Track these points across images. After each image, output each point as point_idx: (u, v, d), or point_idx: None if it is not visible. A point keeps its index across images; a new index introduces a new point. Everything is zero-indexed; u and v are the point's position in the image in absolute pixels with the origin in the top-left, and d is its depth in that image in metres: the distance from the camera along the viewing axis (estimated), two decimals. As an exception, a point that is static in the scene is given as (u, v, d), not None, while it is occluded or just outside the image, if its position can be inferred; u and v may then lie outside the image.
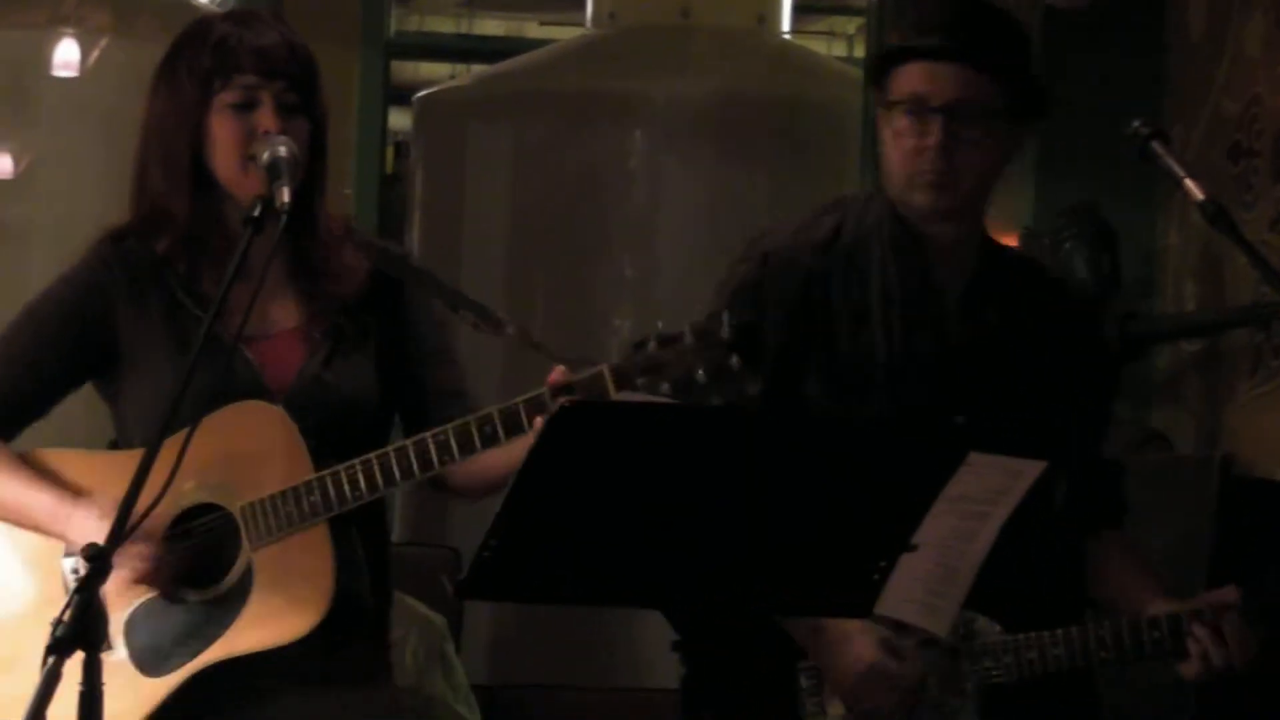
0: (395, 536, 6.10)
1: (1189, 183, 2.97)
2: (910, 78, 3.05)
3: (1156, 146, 3.03)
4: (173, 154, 2.94)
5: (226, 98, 2.91)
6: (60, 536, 2.87)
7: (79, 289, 2.99)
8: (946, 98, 3.02)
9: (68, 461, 2.95)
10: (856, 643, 2.98)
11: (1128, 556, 3.18)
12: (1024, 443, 2.73)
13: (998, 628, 3.04)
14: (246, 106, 2.91)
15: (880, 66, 3.10)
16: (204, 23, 2.97)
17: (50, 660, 2.23)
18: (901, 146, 3.05)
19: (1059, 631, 3.02)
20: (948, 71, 3.04)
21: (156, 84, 2.98)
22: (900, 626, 2.97)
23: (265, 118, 2.89)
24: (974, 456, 2.34)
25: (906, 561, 2.39)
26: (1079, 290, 3.16)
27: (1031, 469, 2.46)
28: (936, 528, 2.37)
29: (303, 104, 2.94)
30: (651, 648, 5.48)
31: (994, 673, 3.04)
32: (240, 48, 2.91)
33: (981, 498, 2.41)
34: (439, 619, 5.33)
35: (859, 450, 2.35)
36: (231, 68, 2.90)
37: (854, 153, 6.23)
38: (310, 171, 2.94)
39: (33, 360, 2.98)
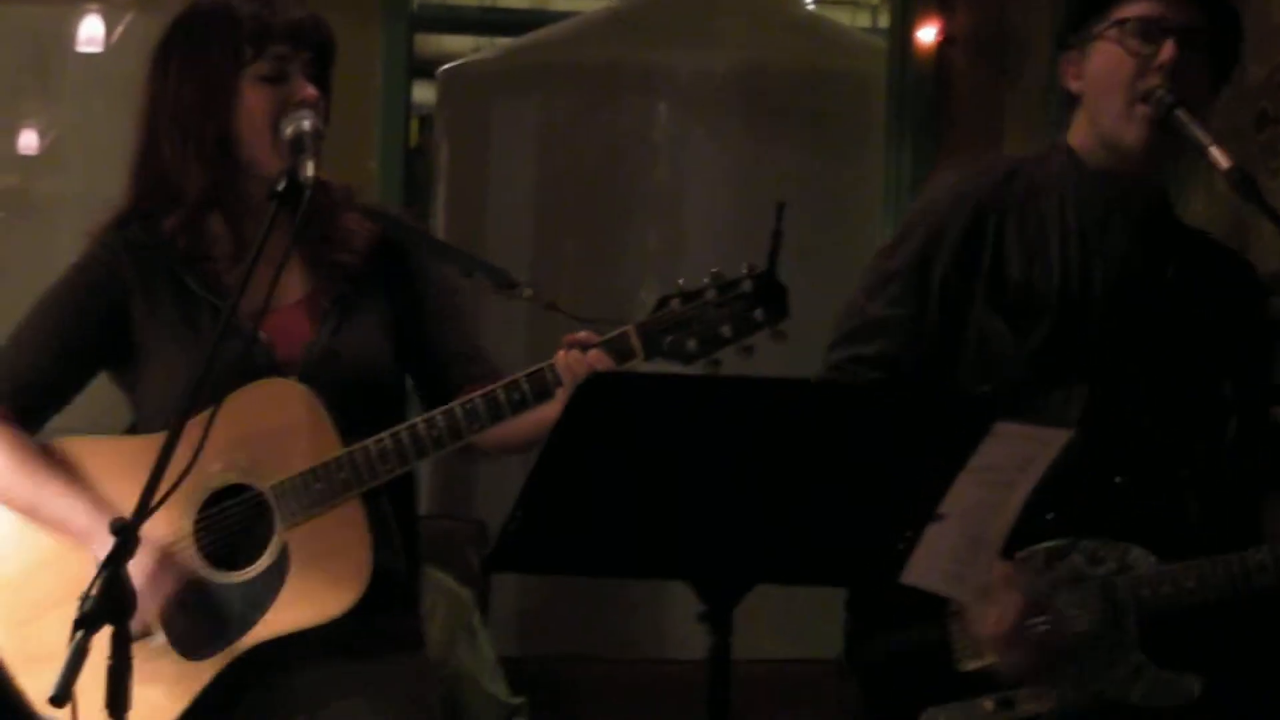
0: (422, 508, 6.11)
1: (1214, 150, 2.96)
2: (1142, 3, 3.09)
3: (1181, 114, 3.02)
4: (193, 129, 2.93)
5: (259, 70, 2.91)
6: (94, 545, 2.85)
7: (93, 279, 2.99)
8: (1180, 21, 3.07)
9: (92, 450, 2.95)
10: (1000, 602, 2.99)
11: None
12: (1183, 390, 2.87)
13: (1153, 558, 3.04)
14: (277, 79, 2.91)
15: None
16: (223, 3, 2.96)
17: (79, 635, 2.24)
18: (1125, 68, 3.07)
19: (1217, 559, 3.00)
20: (1179, 2, 3.08)
21: (165, 62, 2.96)
22: (1047, 565, 3.02)
23: (301, 87, 2.90)
24: (1000, 425, 2.34)
25: (933, 531, 2.39)
26: (1248, 263, 3.23)
27: (1057, 437, 2.45)
28: (963, 498, 2.37)
29: (323, 78, 2.96)
30: (677, 619, 5.48)
31: (1152, 602, 3.02)
32: (272, 21, 2.92)
33: (1008, 467, 2.40)
34: (466, 592, 5.33)
35: (885, 418, 2.35)
36: (265, 40, 2.91)
37: (879, 124, 6.20)
38: None
39: (54, 351, 2.98)
